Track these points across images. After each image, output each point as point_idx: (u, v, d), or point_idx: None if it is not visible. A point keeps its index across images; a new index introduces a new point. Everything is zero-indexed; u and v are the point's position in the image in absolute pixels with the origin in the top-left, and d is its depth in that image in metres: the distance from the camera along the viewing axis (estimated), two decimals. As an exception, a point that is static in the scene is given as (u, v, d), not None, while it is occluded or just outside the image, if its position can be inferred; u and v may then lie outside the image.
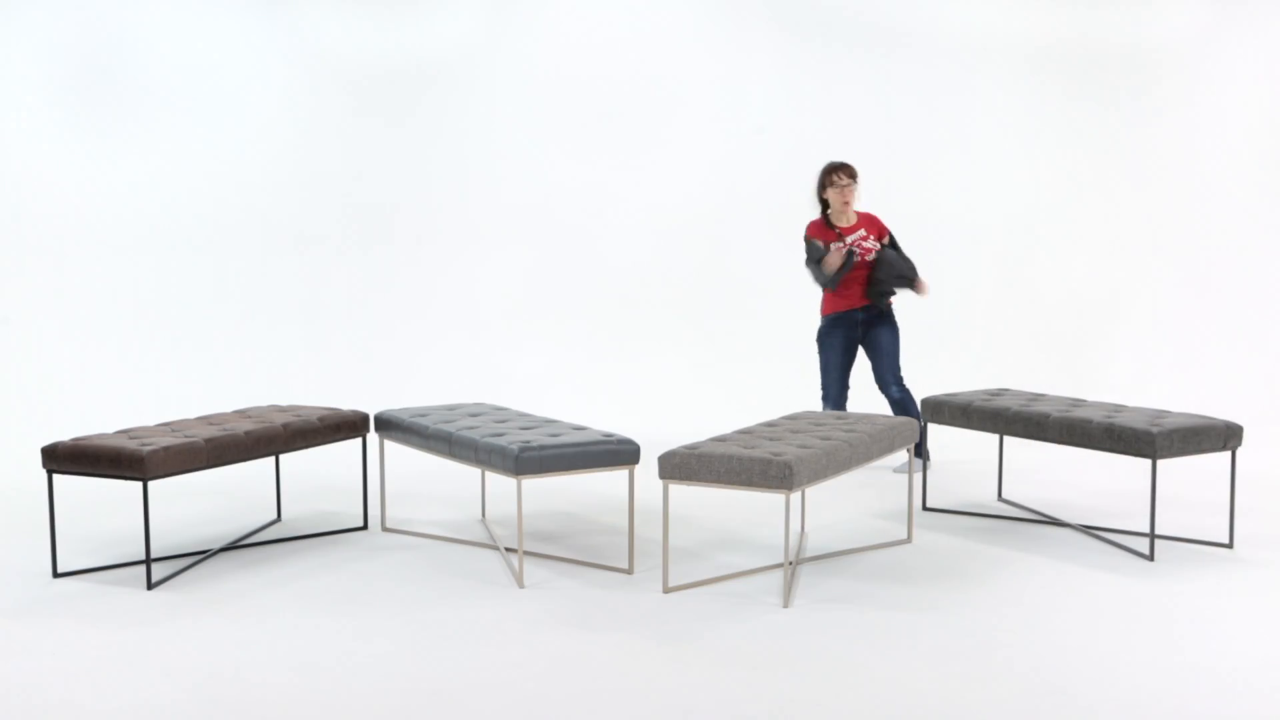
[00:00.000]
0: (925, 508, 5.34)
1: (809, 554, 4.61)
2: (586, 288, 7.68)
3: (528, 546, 4.64)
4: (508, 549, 4.63)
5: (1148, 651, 3.53)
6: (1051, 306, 7.52)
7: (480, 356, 7.45)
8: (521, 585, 4.18)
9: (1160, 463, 4.55)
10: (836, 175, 5.93)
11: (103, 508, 5.23)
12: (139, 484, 4.23)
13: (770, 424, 4.66)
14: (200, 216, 7.43)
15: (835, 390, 6.04)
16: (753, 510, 5.14)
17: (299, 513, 5.27)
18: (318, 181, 7.55)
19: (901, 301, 6.06)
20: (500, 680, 3.33)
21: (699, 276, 7.76)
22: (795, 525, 4.94)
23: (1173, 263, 7.52)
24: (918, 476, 5.49)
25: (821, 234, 5.94)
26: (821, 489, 5.36)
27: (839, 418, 4.78)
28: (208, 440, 4.28)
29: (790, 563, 4.13)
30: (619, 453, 4.27)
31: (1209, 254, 7.48)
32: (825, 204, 5.99)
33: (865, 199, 5.97)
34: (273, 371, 7.21)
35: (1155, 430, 4.40)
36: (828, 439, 4.31)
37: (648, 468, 4.82)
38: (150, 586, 4.15)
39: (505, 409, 5.03)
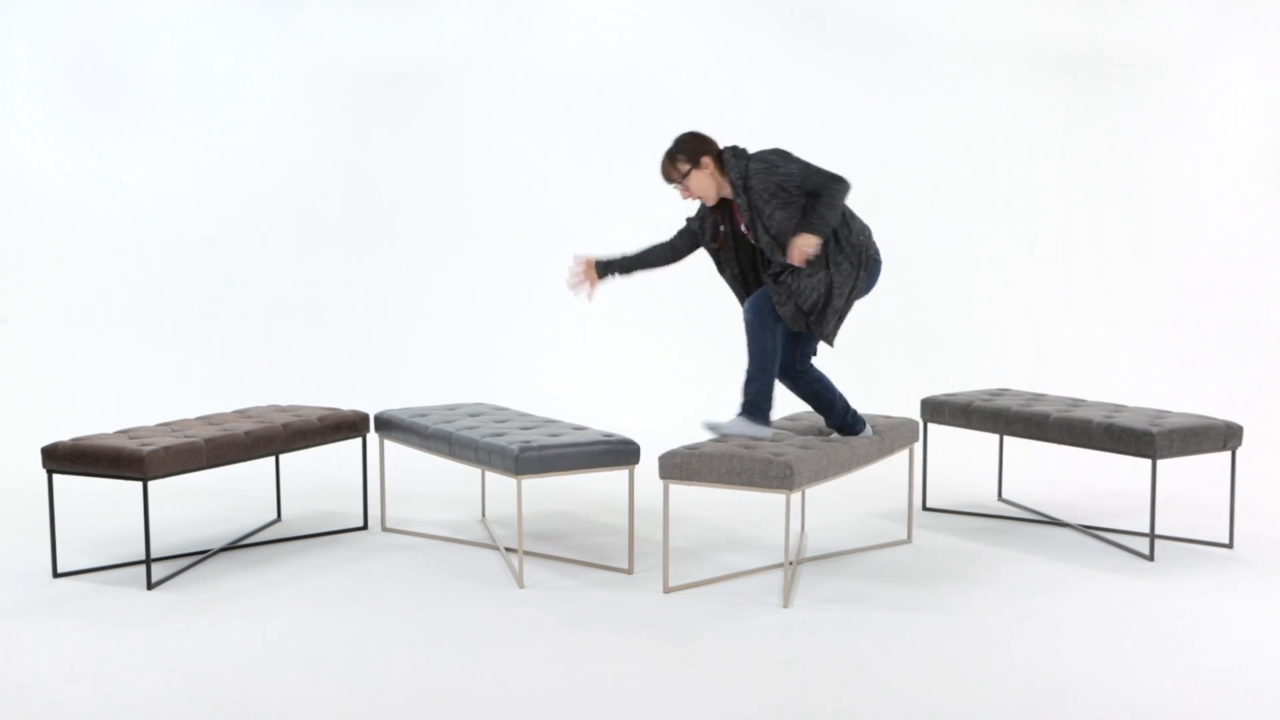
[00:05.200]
0: (925, 508, 5.34)
1: (809, 554, 4.61)
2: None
3: (528, 546, 4.64)
4: (508, 549, 4.63)
5: (1148, 651, 3.53)
6: (1051, 306, 7.52)
7: (480, 356, 7.45)
8: (521, 585, 4.18)
9: (1160, 463, 4.55)
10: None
11: (103, 508, 5.22)
12: (139, 484, 4.23)
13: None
14: (200, 216, 7.42)
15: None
16: (753, 510, 5.14)
17: (299, 513, 5.27)
18: (318, 181, 7.54)
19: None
20: (500, 680, 3.33)
21: (699, 276, 7.75)
22: (795, 525, 4.94)
23: (1173, 262, 7.51)
24: (918, 476, 5.47)
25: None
26: (821, 489, 5.36)
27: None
28: (208, 440, 4.28)
29: (790, 563, 4.13)
30: (619, 453, 4.27)
31: (1209, 253, 7.48)
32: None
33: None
34: (273, 371, 7.20)
35: (1155, 430, 4.40)
36: (828, 439, 4.32)
37: (648, 468, 4.82)
38: (150, 586, 4.14)
39: (505, 409, 5.03)
